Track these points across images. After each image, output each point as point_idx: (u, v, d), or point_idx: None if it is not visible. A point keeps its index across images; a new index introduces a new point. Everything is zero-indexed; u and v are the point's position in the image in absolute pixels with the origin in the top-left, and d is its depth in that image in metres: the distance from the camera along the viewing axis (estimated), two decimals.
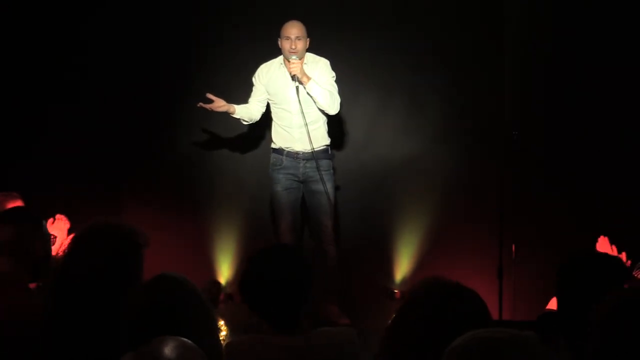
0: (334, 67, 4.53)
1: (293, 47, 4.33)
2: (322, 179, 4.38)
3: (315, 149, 4.39)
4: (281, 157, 4.50)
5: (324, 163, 4.48)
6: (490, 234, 4.63)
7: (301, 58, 4.38)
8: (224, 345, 2.26)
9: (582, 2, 4.89)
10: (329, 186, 4.43)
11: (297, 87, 4.34)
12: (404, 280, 5.09)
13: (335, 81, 4.47)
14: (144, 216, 4.97)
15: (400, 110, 5.21)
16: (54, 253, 3.56)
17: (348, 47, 4.96)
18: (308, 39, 4.42)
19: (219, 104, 4.52)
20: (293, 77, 4.34)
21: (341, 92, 4.48)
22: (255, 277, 2.24)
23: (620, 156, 4.78)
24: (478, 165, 5.05)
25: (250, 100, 4.63)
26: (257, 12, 5.21)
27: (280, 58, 4.51)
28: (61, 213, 3.71)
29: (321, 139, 4.50)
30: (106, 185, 5.20)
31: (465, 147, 5.10)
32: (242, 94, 5.23)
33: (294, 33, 4.35)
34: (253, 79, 4.60)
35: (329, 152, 4.57)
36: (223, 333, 4.22)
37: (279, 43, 4.43)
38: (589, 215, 4.73)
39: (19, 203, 4.04)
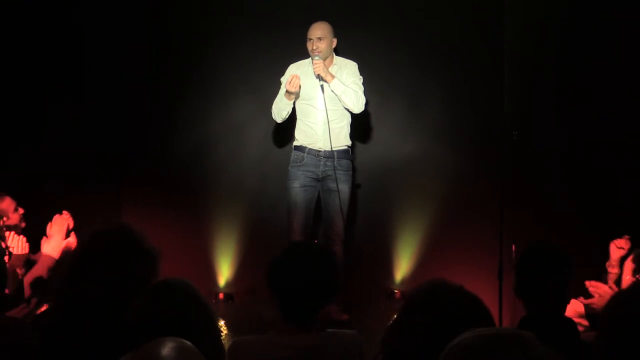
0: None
1: (314, 47, 4.50)
2: (337, 178, 4.49)
3: (337, 148, 4.52)
4: (302, 154, 4.60)
5: (344, 163, 4.61)
6: (490, 234, 4.62)
7: (325, 58, 4.55)
8: (230, 344, 2.27)
9: (583, 2, 4.89)
10: (346, 187, 4.57)
11: (322, 86, 4.49)
12: (404, 280, 5.09)
13: (363, 83, 4.62)
14: (144, 216, 4.97)
15: (400, 110, 5.21)
16: (55, 255, 3.54)
17: (348, 47, 4.95)
18: (334, 39, 4.58)
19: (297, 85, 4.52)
20: (317, 76, 4.49)
21: None
22: (287, 271, 2.24)
23: (621, 156, 4.78)
24: (478, 165, 5.05)
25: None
26: (256, 11, 5.21)
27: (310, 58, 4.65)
28: (61, 213, 3.71)
29: (343, 139, 4.63)
30: (106, 185, 5.20)
31: (465, 147, 5.10)
32: (242, 93, 5.25)
33: (315, 34, 4.53)
34: (282, 80, 4.68)
35: (350, 153, 4.68)
36: (223, 333, 4.23)
37: None
38: (589, 214, 4.73)
39: (8, 202, 4.03)
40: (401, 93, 5.20)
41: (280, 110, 4.64)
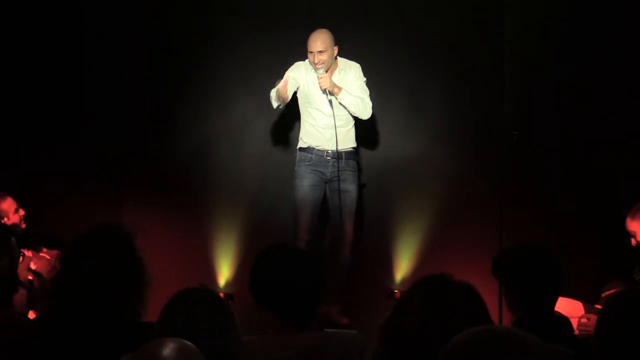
0: None
1: (317, 61, 4.40)
2: (345, 178, 4.49)
3: (344, 150, 4.52)
4: (310, 155, 4.58)
5: (351, 164, 4.61)
6: (490, 234, 4.63)
7: (328, 69, 4.47)
8: None
9: (583, 2, 4.89)
10: (354, 187, 4.57)
11: (330, 101, 4.44)
12: (404, 280, 5.08)
13: (366, 84, 4.59)
14: (144, 216, 4.97)
15: (400, 110, 5.21)
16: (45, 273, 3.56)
17: (348, 47, 4.95)
18: (335, 47, 4.49)
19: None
20: (324, 91, 4.43)
21: None
22: (267, 278, 2.24)
23: (621, 156, 4.78)
24: (478, 165, 5.04)
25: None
26: (256, 11, 5.21)
27: None
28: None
29: (350, 141, 4.62)
30: (106, 185, 5.20)
31: (465, 148, 5.10)
32: (242, 93, 5.25)
33: (316, 47, 4.41)
34: (289, 70, 4.58)
35: (355, 154, 4.69)
36: None
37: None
38: (589, 215, 4.73)
39: (9, 202, 4.05)
40: (401, 93, 5.19)
41: (273, 100, 4.58)
